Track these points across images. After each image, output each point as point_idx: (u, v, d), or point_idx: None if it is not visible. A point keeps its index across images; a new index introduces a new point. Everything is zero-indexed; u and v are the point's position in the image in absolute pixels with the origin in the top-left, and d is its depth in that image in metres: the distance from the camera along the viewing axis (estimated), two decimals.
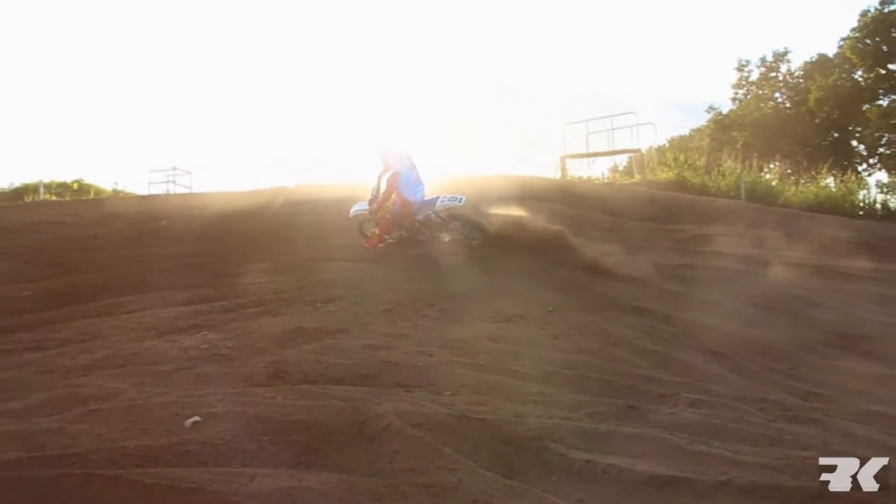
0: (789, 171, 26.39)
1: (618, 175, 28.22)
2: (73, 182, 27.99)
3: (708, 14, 65.05)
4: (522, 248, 10.97)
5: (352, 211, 11.44)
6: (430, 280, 9.71)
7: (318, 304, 8.66)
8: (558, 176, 24.54)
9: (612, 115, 24.97)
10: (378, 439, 4.57)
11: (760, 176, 24.21)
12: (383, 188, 10.76)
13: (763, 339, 8.72)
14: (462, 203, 10.80)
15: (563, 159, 25.35)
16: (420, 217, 10.87)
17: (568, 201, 16.12)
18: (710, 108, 42.94)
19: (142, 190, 26.24)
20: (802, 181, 24.48)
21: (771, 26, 61.23)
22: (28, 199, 23.89)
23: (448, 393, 5.65)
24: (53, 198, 23.94)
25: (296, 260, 11.03)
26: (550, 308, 8.79)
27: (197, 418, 4.89)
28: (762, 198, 21.11)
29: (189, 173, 27.25)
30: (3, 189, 25.95)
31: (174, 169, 27.09)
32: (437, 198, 10.78)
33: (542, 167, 27.17)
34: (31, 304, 9.45)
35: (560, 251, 10.91)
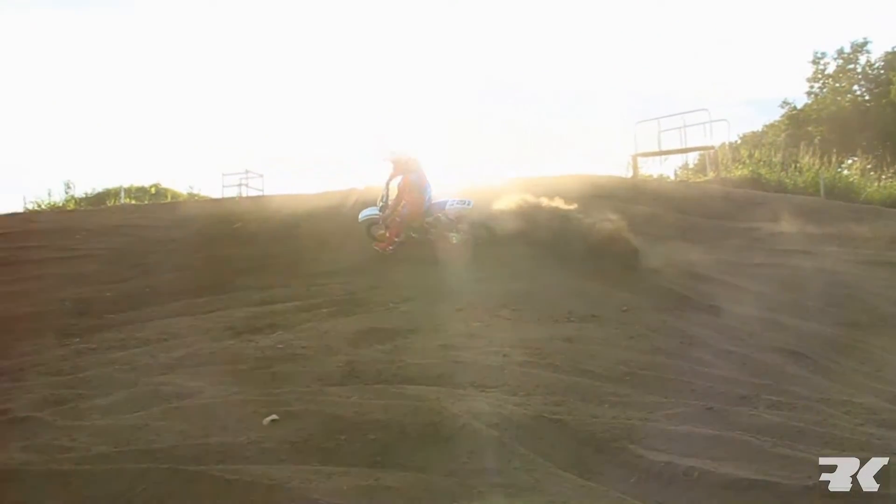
0: (870, 166, 25.36)
1: (689, 173, 27.64)
2: (150, 186, 28.86)
3: (780, 7, 63.19)
4: (588, 247, 10.87)
5: (361, 216, 11.77)
6: (501, 280, 9.69)
7: (391, 305, 8.74)
8: (630, 175, 24.18)
9: (684, 113, 24.46)
10: (454, 439, 4.58)
11: (839, 172, 23.35)
12: (392, 193, 11.10)
13: (844, 340, 8.41)
14: (470, 206, 11.23)
15: (634, 158, 24.97)
16: (430, 219, 11.24)
17: (640, 200, 15.88)
18: (783, 102, 41.59)
19: (215, 193, 26.90)
20: (885, 176, 23.46)
21: (847, 17, 59.12)
22: (109, 203, 24.74)
23: (523, 393, 5.63)
24: (133, 202, 24.75)
25: (368, 260, 11.13)
26: (625, 308, 8.68)
27: (274, 417, 4.99)
28: (842, 194, 20.28)
29: (261, 176, 27.79)
30: (86, 194, 26.85)
31: (247, 172, 27.66)
32: (447, 201, 11.20)
33: (613, 166, 26.78)
34: (114, 304, 9.79)
35: (622, 250, 10.78)
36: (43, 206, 23.67)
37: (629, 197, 15.85)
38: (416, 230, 11.37)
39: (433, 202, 11.24)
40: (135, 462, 4.36)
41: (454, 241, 11.24)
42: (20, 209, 22.84)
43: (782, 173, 22.64)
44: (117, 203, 24.34)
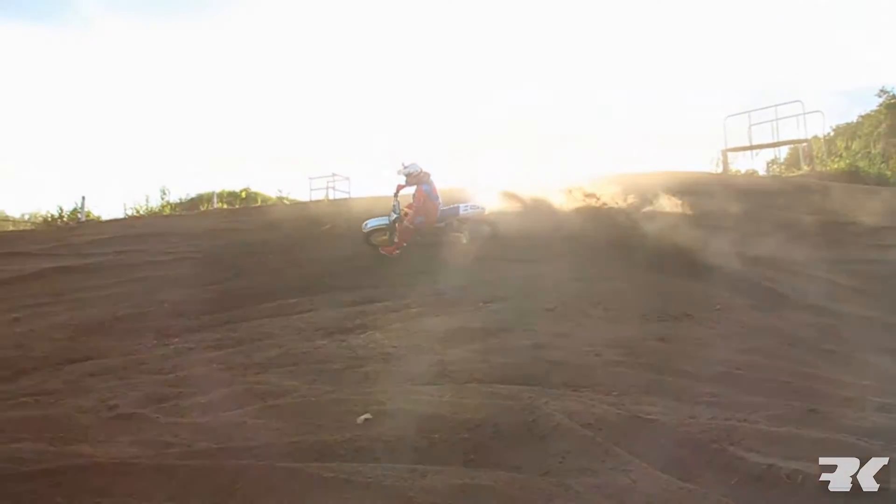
0: None
1: (782, 167, 26.58)
2: (241, 191, 29.62)
3: None
4: (678, 246, 10.67)
5: (368, 225, 12.30)
6: (592, 280, 9.59)
7: (481, 304, 8.77)
8: (719, 170, 23.49)
9: (776, 105, 23.55)
10: (548, 438, 4.57)
11: None
12: (402, 203, 12.01)
13: None
14: (483, 210, 12.32)
15: (724, 153, 24.20)
16: (442, 224, 12.12)
17: (731, 196, 15.40)
18: (881, 91, 39.42)
19: (303, 196, 27.41)
20: None
21: None
22: (203, 207, 25.54)
23: (616, 393, 5.57)
24: (225, 206, 25.45)
25: (456, 260, 11.18)
26: (718, 306, 8.46)
27: (368, 416, 5.08)
28: None
29: (347, 179, 28.17)
30: (180, 199, 27.78)
31: (333, 175, 28.09)
32: (458, 206, 12.21)
33: (702, 162, 26.00)
34: (210, 305, 10.13)
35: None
36: (141, 212, 24.61)
37: (719, 193, 15.39)
38: (423, 234, 12.10)
39: (444, 209, 12.18)
40: (234, 458, 4.52)
41: (464, 241, 12.01)
42: (121, 215, 23.83)
43: (882, 165, 21.58)
44: (210, 207, 25.09)
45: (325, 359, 6.95)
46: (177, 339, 8.51)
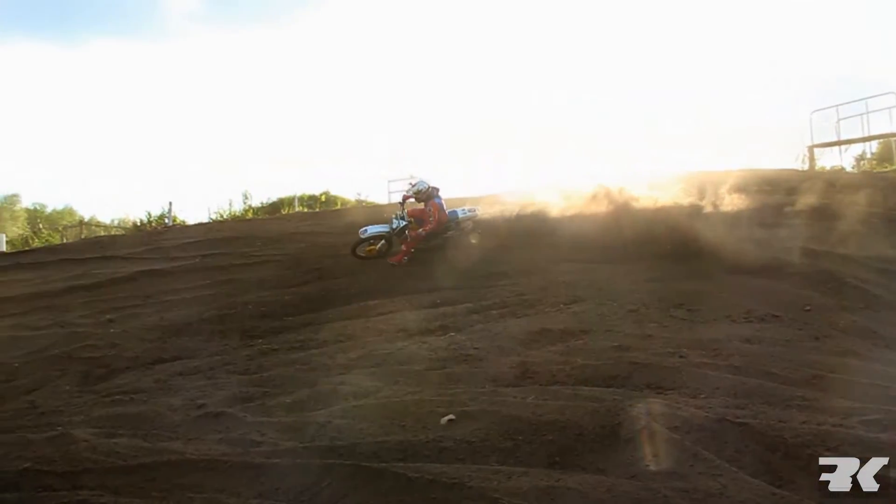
0: None
1: (872, 163, 25.38)
2: (321, 194, 30.14)
3: None
4: (761, 245, 10.36)
5: (367, 231, 12.82)
6: (671, 280, 9.39)
7: (562, 306, 8.68)
8: (804, 167, 22.65)
9: (866, 98, 22.60)
10: (634, 441, 4.51)
11: None
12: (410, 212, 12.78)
13: None
14: (477, 213, 13.15)
15: (810, 149, 23.36)
16: (450, 233, 12.80)
17: (818, 193, 14.81)
18: None
19: (382, 199, 27.69)
20: None
21: None
22: (284, 211, 26.09)
23: (702, 395, 5.42)
24: (305, 209, 25.93)
25: (536, 262, 11.11)
26: (808, 307, 8.15)
27: (451, 416, 5.10)
28: None
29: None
30: (262, 203, 28.44)
31: (412, 177, 28.27)
32: (456, 211, 12.95)
33: (787, 159, 25.14)
34: (292, 307, 10.35)
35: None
36: (225, 216, 25.33)
37: (804, 190, 14.83)
38: (428, 240, 12.60)
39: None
40: (320, 458, 4.61)
41: (473, 241, 12.63)
42: (206, 219, 24.58)
43: None
44: (291, 211, 25.61)
45: (408, 360, 7.01)
46: (261, 340, 8.72)
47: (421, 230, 12.40)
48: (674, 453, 4.30)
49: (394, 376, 6.48)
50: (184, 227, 20.84)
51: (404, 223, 12.64)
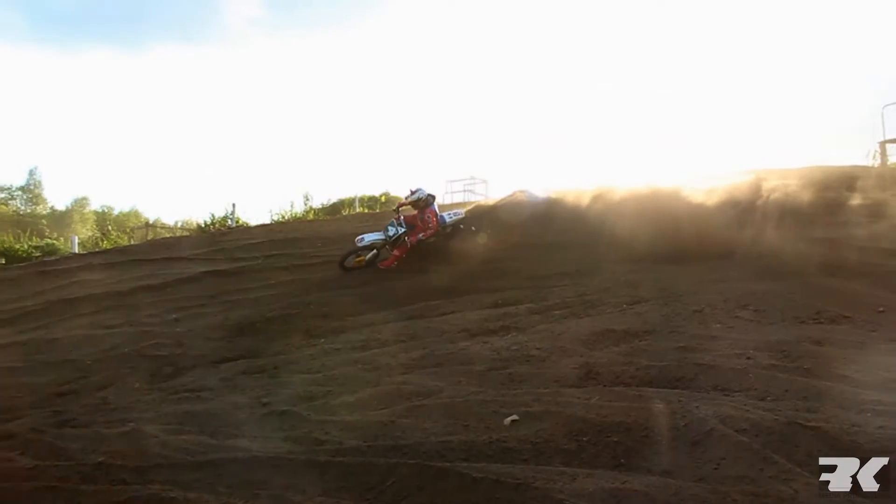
0: None
1: None
2: (381, 195, 30.38)
3: None
4: (829, 243, 10.08)
5: (365, 239, 13.11)
6: (738, 280, 9.18)
7: (625, 306, 8.58)
8: (876, 163, 21.87)
9: None
10: (702, 444, 4.41)
11: None
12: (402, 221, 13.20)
13: None
14: (463, 215, 13.81)
15: (881, 145, 22.53)
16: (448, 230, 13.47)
17: (890, 189, 14.30)
18: None
19: (442, 199, 27.73)
20: None
21: None
22: (344, 212, 26.34)
23: (771, 398, 5.27)
24: (365, 210, 26.14)
25: (597, 262, 11.02)
26: (881, 308, 7.87)
27: (515, 417, 5.08)
28: None
29: (485, 182, 28.33)
30: (322, 204, 28.76)
31: (471, 178, 28.32)
32: (444, 215, 13.55)
33: (857, 156, 24.33)
34: (354, 307, 10.48)
35: None
36: (286, 217, 25.69)
37: (876, 187, 14.34)
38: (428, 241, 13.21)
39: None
40: (384, 457, 4.64)
41: (480, 241, 13.13)
42: (268, 220, 24.96)
43: None
44: (352, 212, 25.82)
45: (470, 360, 7.01)
46: (323, 340, 8.84)
47: (421, 234, 12.98)
48: (743, 457, 4.19)
49: (456, 376, 6.49)
50: (246, 229, 21.22)
51: (403, 230, 13.00)
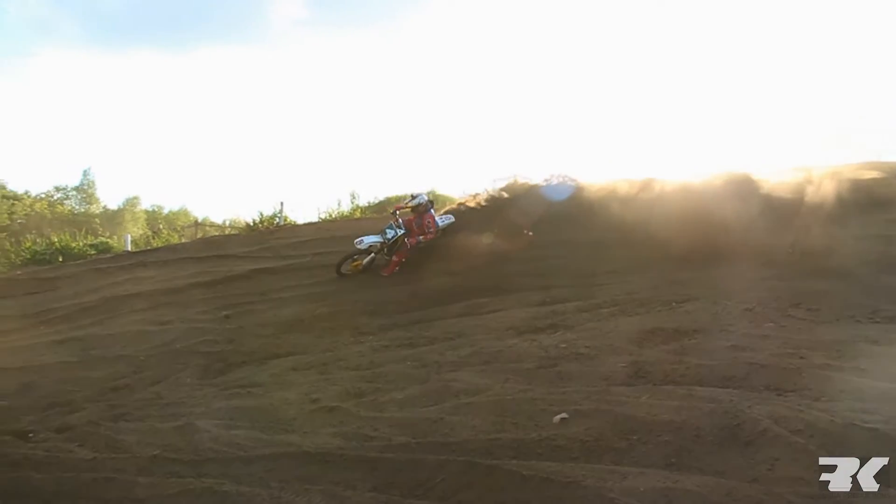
0: None
1: None
2: (427, 194, 30.33)
3: None
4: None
5: (364, 242, 13.04)
6: (790, 278, 9.05)
7: (674, 304, 8.48)
8: None
9: None
10: (754, 444, 4.35)
11: None
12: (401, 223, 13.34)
13: None
14: (452, 220, 13.81)
15: None
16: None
17: None
18: None
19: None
20: None
21: None
22: (391, 210, 26.36)
23: (826, 398, 5.15)
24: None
25: (646, 260, 10.89)
26: None
27: (564, 415, 5.07)
28: None
29: (528, 181, 28.14)
30: (368, 203, 28.90)
31: (515, 177, 28.16)
32: (437, 219, 13.50)
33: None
34: (401, 304, 10.57)
35: None
36: (333, 215, 25.86)
37: None
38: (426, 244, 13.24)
39: None
40: (433, 453, 4.67)
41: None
42: (315, 219, 25.16)
43: None
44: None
45: (518, 358, 7.00)
46: (371, 337, 8.92)
47: (420, 237, 13.06)
48: (798, 458, 4.12)
49: (504, 374, 6.49)
50: (294, 227, 21.39)
51: (402, 231, 13.05)
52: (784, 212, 11.42)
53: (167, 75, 78.30)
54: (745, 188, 12.29)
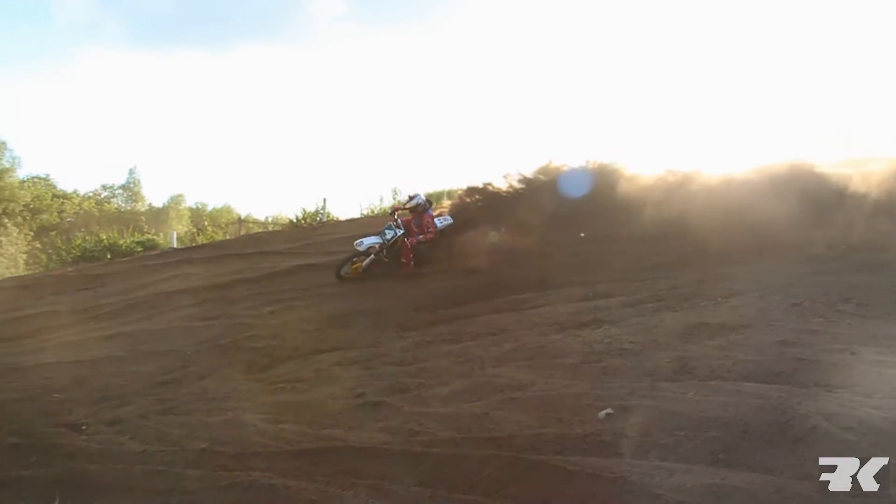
0: None
1: None
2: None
3: None
4: None
5: (364, 243, 13.06)
6: (839, 272, 8.85)
7: (719, 299, 8.36)
8: None
9: None
10: (804, 441, 4.32)
11: None
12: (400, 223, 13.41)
13: None
14: (451, 221, 13.97)
15: None
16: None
17: None
18: None
19: None
20: None
21: None
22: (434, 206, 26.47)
23: (879, 396, 5.04)
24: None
25: (690, 255, 10.76)
26: None
27: (609, 410, 5.06)
28: None
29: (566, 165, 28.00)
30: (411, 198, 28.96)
31: (550, 161, 28.02)
32: (436, 220, 13.65)
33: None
34: (445, 300, 10.54)
35: None
36: (375, 211, 26.04)
37: None
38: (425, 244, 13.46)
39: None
40: (478, 448, 4.70)
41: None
42: (357, 215, 25.35)
43: None
44: (440, 206, 25.93)
45: (561, 353, 7.00)
46: (415, 333, 8.94)
47: (421, 237, 13.22)
48: (850, 455, 4.06)
49: (548, 369, 6.49)
50: (336, 223, 21.56)
51: (402, 231, 13.11)
52: (829, 204, 11.22)
53: (210, 74, 79.42)
54: (789, 181, 12.06)
